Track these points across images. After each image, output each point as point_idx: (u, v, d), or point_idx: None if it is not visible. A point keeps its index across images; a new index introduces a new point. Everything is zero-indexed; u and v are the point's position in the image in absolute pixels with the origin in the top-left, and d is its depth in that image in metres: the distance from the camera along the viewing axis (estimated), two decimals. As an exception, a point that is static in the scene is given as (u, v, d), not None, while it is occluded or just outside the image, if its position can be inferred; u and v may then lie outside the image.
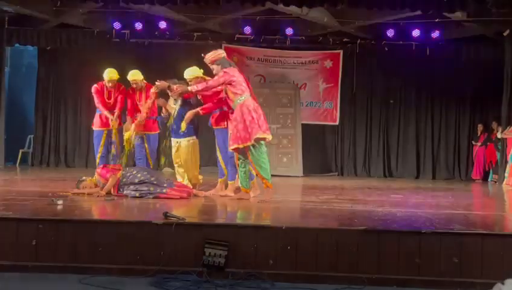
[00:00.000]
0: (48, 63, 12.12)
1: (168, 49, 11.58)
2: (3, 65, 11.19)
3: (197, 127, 6.29)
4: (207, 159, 12.00)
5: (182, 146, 6.19)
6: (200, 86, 5.46)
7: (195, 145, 6.24)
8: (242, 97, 5.33)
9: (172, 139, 6.31)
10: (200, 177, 6.38)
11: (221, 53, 5.56)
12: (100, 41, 11.05)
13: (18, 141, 11.94)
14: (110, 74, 6.95)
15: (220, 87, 5.53)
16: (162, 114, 6.39)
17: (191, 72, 5.98)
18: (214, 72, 5.52)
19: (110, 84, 6.95)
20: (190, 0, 8.15)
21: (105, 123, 6.98)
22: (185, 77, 6.03)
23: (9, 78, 12.16)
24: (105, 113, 6.97)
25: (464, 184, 10.58)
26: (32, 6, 10.05)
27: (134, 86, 6.88)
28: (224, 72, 5.36)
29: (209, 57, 5.50)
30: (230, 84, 5.34)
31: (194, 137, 6.23)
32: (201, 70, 6.08)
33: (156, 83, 5.89)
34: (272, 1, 8.36)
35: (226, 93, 5.50)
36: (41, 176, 8.80)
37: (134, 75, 6.87)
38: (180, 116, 6.11)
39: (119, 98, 7.01)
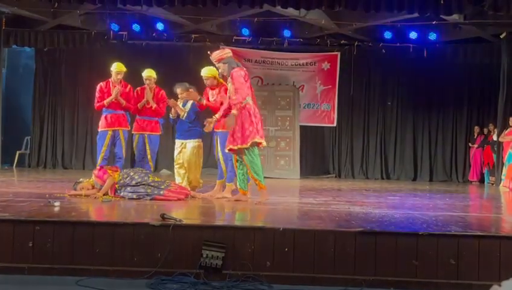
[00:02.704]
0: (45, 64, 12.13)
1: (166, 51, 11.60)
2: (1, 66, 11.16)
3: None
4: (204, 161, 12.00)
5: (187, 147, 6.27)
6: (235, 102, 5.29)
7: (200, 148, 6.34)
8: (244, 100, 5.33)
9: (176, 140, 6.38)
10: (201, 181, 6.44)
11: (228, 52, 5.55)
12: (98, 43, 11.04)
13: (15, 142, 11.91)
14: (119, 66, 6.87)
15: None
16: (171, 115, 6.39)
17: (208, 71, 6.05)
18: (220, 70, 5.51)
19: (119, 76, 6.79)
20: (188, 2, 8.13)
21: (110, 124, 6.81)
22: (201, 74, 6.10)
23: (7, 79, 12.14)
24: (107, 101, 6.71)
25: (461, 186, 10.61)
26: (29, 8, 10.04)
27: (147, 82, 6.87)
28: (238, 75, 5.27)
29: (216, 55, 5.49)
30: (248, 88, 5.34)
31: (200, 140, 6.34)
32: (217, 72, 6.05)
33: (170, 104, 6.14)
34: (269, 3, 8.35)
35: (229, 94, 5.49)
36: (38, 178, 8.78)
37: (150, 72, 6.94)
38: (190, 118, 6.25)
39: (130, 95, 6.90)
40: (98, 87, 6.89)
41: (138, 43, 11.47)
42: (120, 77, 6.83)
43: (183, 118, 6.27)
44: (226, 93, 5.77)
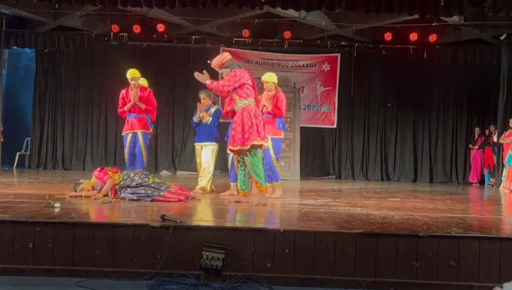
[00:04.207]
0: (46, 65, 12.13)
1: (166, 52, 11.60)
2: (1, 67, 11.17)
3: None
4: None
5: (203, 149, 6.78)
6: (214, 84, 5.37)
7: (215, 152, 6.85)
8: (246, 101, 5.33)
9: (196, 143, 6.93)
10: (213, 187, 6.90)
11: (227, 55, 5.49)
12: (98, 44, 11.04)
13: (15, 143, 11.92)
14: (131, 72, 7.15)
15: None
16: (194, 118, 6.88)
17: (269, 77, 6.51)
18: (224, 76, 5.48)
19: (133, 82, 7.07)
20: (188, 3, 8.13)
21: (130, 127, 7.16)
22: (262, 79, 6.56)
23: (7, 80, 12.15)
24: (127, 107, 7.08)
25: (461, 187, 10.60)
26: (30, 9, 10.03)
27: (132, 82, 7.19)
28: (235, 72, 5.30)
29: (216, 62, 5.43)
30: (240, 87, 5.31)
31: (217, 144, 6.88)
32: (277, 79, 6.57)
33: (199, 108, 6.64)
34: (269, 4, 8.35)
35: (231, 94, 5.50)
36: (39, 179, 8.78)
37: (143, 80, 7.40)
38: (214, 123, 6.81)
39: (150, 98, 7.22)
40: (120, 95, 7.29)
41: (138, 45, 11.48)
42: (135, 82, 7.09)
43: (208, 122, 6.76)
44: (278, 100, 6.36)
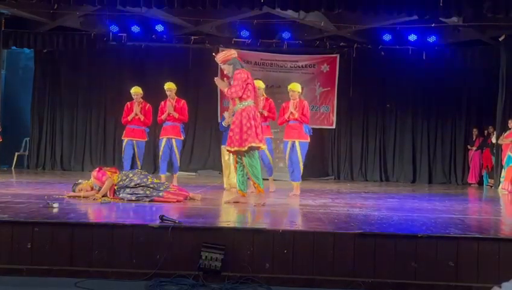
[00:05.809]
0: (45, 65, 12.11)
1: (165, 53, 11.60)
2: (0, 68, 11.15)
3: None
4: (203, 163, 12.00)
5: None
6: (227, 92, 5.39)
7: None
8: (245, 102, 5.33)
9: (224, 146, 7.14)
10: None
11: (233, 53, 5.52)
12: (97, 44, 11.03)
13: (14, 143, 11.89)
14: (168, 84, 7.98)
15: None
16: (224, 123, 7.35)
17: (295, 87, 7.13)
18: (225, 72, 5.51)
19: (168, 93, 7.91)
20: (187, 4, 8.13)
21: (164, 133, 7.95)
22: (288, 87, 7.15)
23: (6, 80, 12.12)
24: (164, 116, 7.90)
25: (460, 188, 10.61)
26: (29, 9, 10.03)
27: (135, 96, 8.01)
28: (240, 74, 5.30)
29: (220, 56, 5.48)
30: (243, 89, 5.31)
31: None
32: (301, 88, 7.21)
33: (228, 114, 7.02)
34: (269, 5, 8.36)
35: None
36: (37, 179, 8.77)
37: (137, 89, 8.10)
38: None
39: (184, 108, 8.05)
40: (124, 107, 8.12)
41: (137, 45, 11.47)
42: (169, 93, 7.92)
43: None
44: (304, 108, 6.96)
